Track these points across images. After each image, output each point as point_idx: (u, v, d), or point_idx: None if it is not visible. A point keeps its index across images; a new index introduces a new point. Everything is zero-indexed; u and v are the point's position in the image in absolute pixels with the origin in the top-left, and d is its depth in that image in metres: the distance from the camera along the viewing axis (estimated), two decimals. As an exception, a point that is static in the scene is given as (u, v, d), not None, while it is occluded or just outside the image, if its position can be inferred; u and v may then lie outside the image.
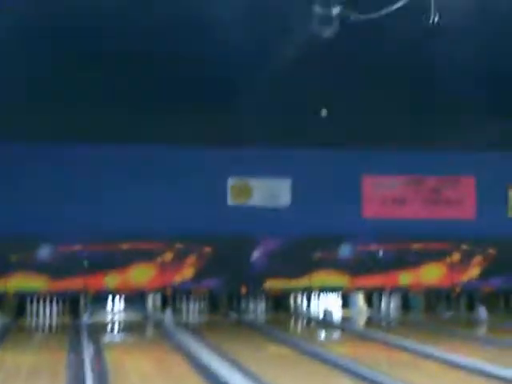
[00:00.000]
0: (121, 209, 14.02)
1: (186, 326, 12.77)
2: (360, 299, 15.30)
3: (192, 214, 14.10)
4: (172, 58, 11.61)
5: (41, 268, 13.74)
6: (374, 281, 14.73)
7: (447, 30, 9.73)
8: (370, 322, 14.37)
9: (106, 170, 14.17)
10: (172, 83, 12.52)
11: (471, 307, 15.05)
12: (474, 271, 15.03)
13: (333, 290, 14.88)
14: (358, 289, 14.93)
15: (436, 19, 8.63)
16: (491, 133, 13.98)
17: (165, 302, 14.37)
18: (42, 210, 13.65)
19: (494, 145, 14.34)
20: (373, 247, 14.79)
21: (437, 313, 15.05)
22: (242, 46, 10.60)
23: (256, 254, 14.43)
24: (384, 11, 8.62)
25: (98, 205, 14.00)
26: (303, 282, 14.52)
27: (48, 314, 14.05)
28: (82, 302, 14.11)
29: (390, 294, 15.15)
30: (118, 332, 12.94)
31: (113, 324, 13.72)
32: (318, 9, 8.85)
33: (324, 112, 12.72)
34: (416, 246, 14.81)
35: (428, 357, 9.02)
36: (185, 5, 9.93)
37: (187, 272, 14.24)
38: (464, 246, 14.93)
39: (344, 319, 14.21)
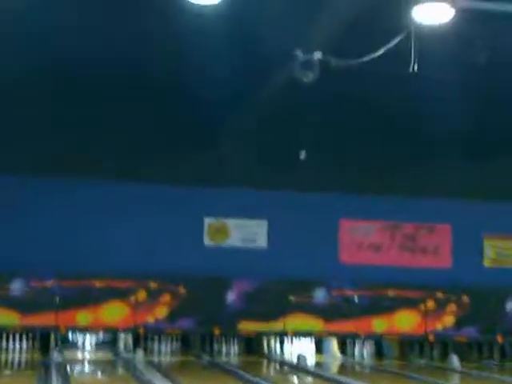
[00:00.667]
0: (94, 245, 13.95)
1: (158, 367, 12.63)
2: (334, 344, 15.23)
3: (167, 253, 14.04)
4: (154, 96, 11.68)
5: (12, 303, 13.58)
6: (347, 326, 14.69)
7: (426, 81, 9.86)
8: (343, 367, 14.30)
9: (81, 207, 14.11)
10: (151, 122, 12.57)
11: (444, 356, 15.02)
12: (448, 320, 15.03)
13: (307, 334, 14.81)
14: (332, 334, 14.86)
15: (415, 67, 8.74)
16: (468, 181, 14.11)
17: (137, 342, 14.23)
18: (15, 245, 13.54)
19: (470, 193, 14.45)
20: (348, 292, 14.76)
21: (410, 360, 15.01)
22: (223, 88, 10.69)
23: (230, 296, 14.36)
24: (365, 58, 8.74)
25: (72, 241, 13.91)
26: (277, 325, 14.45)
27: (18, 350, 13.86)
28: (52, 338, 13.94)
29: (364, 340, 15.10)
30: (88, 370, 12.78)
31: (83, 362, 13.55)
32: (299, 54, 8.95)
33: (303, 155, 12.80)
34: (391, 293, 14.81)
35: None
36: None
37: (160, 312, 14.13)
38: (439, 294, 14.95)
39: (317, 364, 14.13)
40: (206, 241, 14.61)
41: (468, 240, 15.19)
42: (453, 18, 8.68)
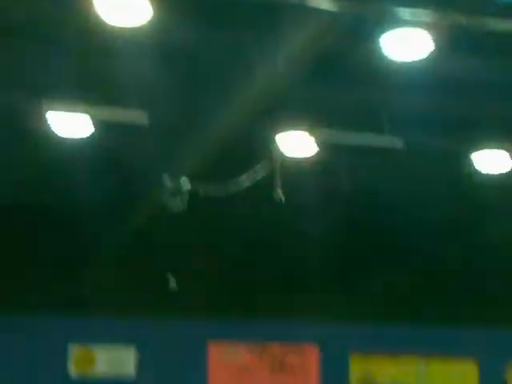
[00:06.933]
0: None
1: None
2: None
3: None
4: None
5: None
6: None
7: (291, 208, 10.09)
8: None
9: None
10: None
11: None
12: None
13: None
14: None
15: (282, 197, 8.97)
16: (336, 304, 14.30)
17: None
18: None
19: (338, 315, 14.60)
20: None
21: None
22: (94, 217, 10.62)
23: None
24: (232, 189, 8.89)
25: None
26: None
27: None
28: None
29: None
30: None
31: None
32: (168, 182, 9.00)
33: (173, 283, 12.65)
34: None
35: None
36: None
37: None
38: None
39: None
40: (72, 370, 14.00)
41: (335, 360, 15.21)
42: (317, 152, 9.01)
